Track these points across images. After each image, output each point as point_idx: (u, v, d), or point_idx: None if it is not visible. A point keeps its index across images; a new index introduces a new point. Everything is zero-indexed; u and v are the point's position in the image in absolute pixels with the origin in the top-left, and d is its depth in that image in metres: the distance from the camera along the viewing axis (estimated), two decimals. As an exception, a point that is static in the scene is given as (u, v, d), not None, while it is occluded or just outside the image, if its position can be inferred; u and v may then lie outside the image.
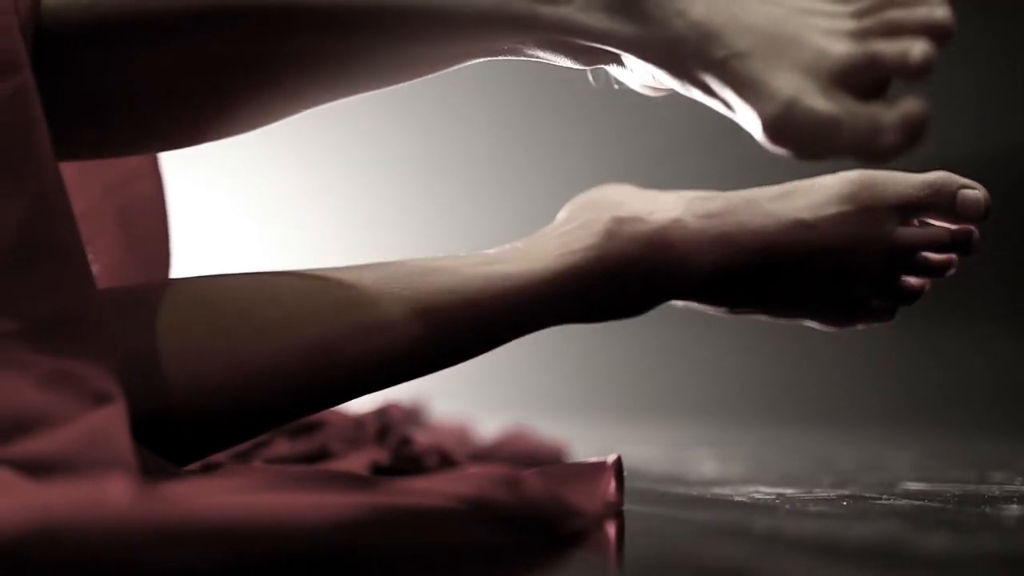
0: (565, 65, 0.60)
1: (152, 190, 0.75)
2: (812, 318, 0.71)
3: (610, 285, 0.67)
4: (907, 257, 0.67)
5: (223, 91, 0.59)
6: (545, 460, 1.01)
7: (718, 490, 0.73)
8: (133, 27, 0.56)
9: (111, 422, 0.50)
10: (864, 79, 0.53)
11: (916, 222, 0.68)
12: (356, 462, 0.85)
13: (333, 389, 0.64)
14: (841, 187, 0.68)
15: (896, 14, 0.54)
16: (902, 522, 0.56)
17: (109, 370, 0.51)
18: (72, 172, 0.66)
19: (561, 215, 0.72)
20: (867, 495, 0.69)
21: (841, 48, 0.53)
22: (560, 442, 1.08)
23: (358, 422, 0.94)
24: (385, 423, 0.93)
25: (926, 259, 0.68)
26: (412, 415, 0.97)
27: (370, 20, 0.57)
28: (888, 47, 0.53)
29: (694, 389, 1.93)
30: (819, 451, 1.21)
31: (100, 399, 0.51)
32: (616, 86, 0.62)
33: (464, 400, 1.46)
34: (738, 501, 0.65)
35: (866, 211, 0.67)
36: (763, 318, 0.72)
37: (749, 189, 0.70)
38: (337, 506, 0.42)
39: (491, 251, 0.68)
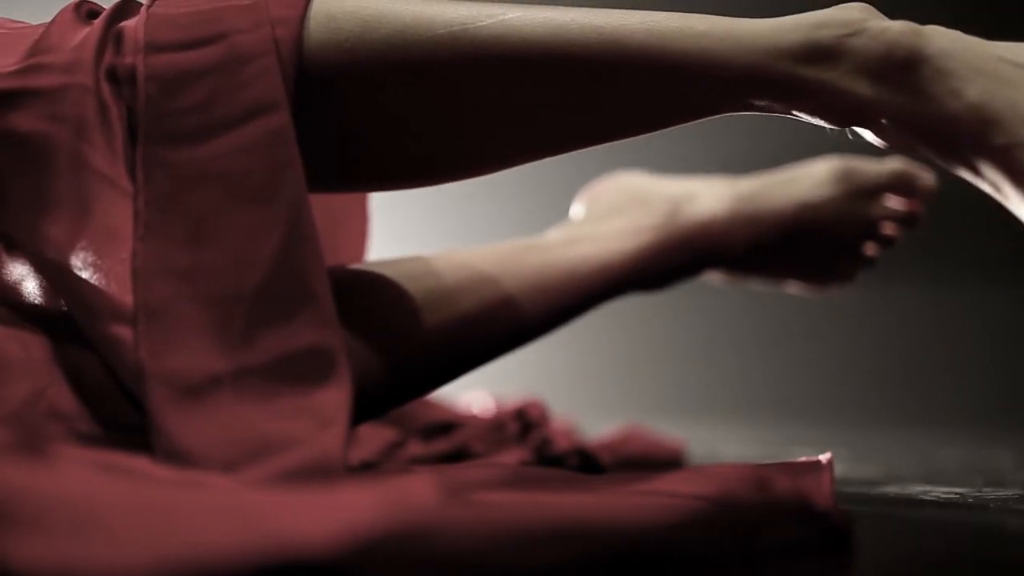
0: (818, 124, 0.60)
1: None
2: (804, 281, 0.90)
3: (675, 258, 0.81)
4: (873, 228, 0.85)
5: (475, 134, 0.60)
6: (663, 460, 1.02)
7: (878, 490, 0.74)
8: (389, 69, 0.57)
9: (334, 444, 0.52)
10: None
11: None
12: (506, 462, 0.86)
13: (475, 358, 0.72)
14: (830, 173, 0.85)
15: None
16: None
17: (345, 401, 0.53)
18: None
19: (584, 201, 0.87)
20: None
21: None
22: (677, 442, 1.09)
23: (498, 423, 0.95)
24: (526, 423, 0.94)
25: (885, 230, 0.86)
26: (547, 415, 0.98)
27: (639, 70, 0.57)
28: None
29: (769, 389, 1.94)
30: (919, 449, 1.22)
31: (328, 424, 0.52)
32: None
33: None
34: (932, 500, 0.67)
35: (851, 192, 0.85)
36: (762, 283, 0.90)
37: (756, 177, 0.86)
38: (653, 507, 0.43)
39: (553, 234, 0.80)
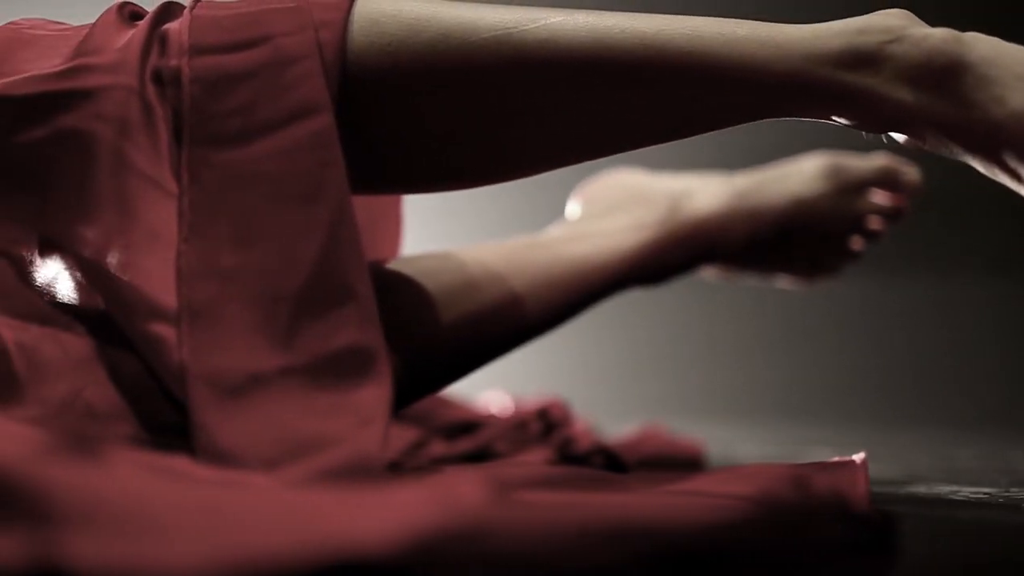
0: (858, 130, 0.60)
1: None
2: (794, 275, 0.93)
3: (676, 254, 0.83)
4: (860, 223, 0.88)
5: (516, 137, 0.60)
6: (682, 460, 1.03)
7: (905, 490, 0.75)
8: (431, 73, 0.57)
9: (373, 443, 0.52)
10: None
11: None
12: (530, 461, 0.87)
13: (485, 354, 0.73)
14: (820, 169, 0.87)
15: None
16: None
17: (385, 399, 0.53)
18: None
19: (581, 199, 0.88)
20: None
21: None
22: (695, 442, 1.10)
23: (520, 422, 0.95)
24: (548, 423, 0.95)
25: (871, 224, 0.89)
26: (570, 415, 0.99)
27: (680, 76, 0.58)
28: None
29: (783, 389, 1.94)
30: (933, 449, 1.22)
31: (368, 423, 0.53)
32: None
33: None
34: (963, 500, 0.67)
35: (840, 188, 0.87)
36: (754, 277, 0.93)
37: (750, 173, 0.88)
38: (699, 507, 0.44)
39: (555, 231, 0.82)
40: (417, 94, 0.58)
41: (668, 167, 0.91)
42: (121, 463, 0.45)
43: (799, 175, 0.88)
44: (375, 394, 0.54)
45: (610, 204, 0.85)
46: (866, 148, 0.71)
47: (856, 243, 0.91)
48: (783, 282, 0.95)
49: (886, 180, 0.88)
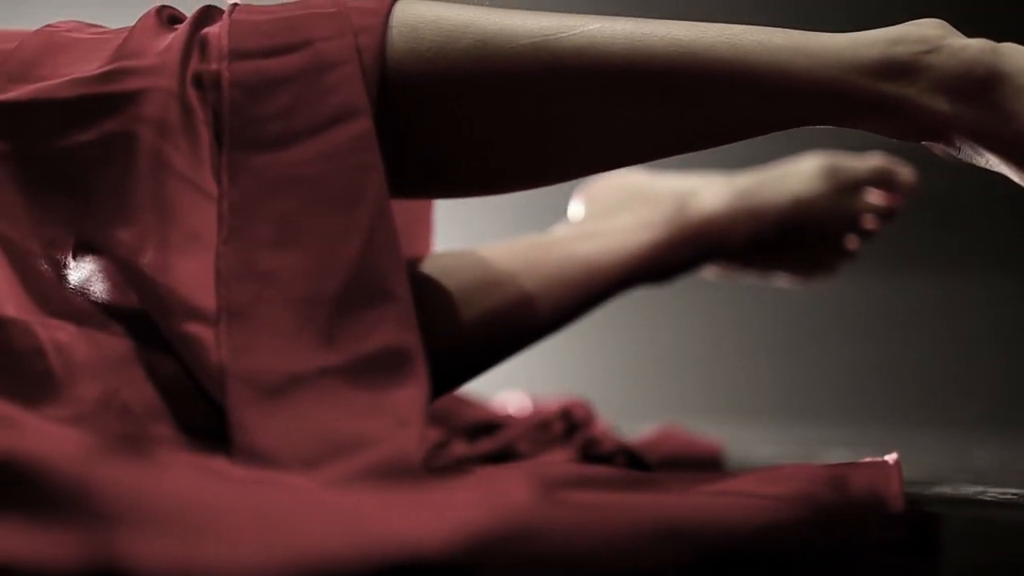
0: (891, 137, 0.61)
1: None
2: (791, 273, 0.95)
3: (682, 253, 0.85)
4: (855, 222, 0.90)
5: (552, 145, 0.61)
6: (701, 460, 1.03)
7: (932, 490, 0.75)
8: (469, 79, 0.58)
9: (411, 443, 0.52)
10: None
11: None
12: (554, 462, 0.87)
13: (501, 352, 0.75)
14: (818, 169, 0.89)
15: None
16: None
17: (422, 400, 0.53)
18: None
19: (583, 199, 0.89)
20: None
21: None
22: (715, 442, 1.10)
23: (542, 422, 0.96)
24: (571, 423, 0.95)
25: (866, 223, 0.91)
26: (593, 416, 0.99)
27: (718, 84, 0.58)
28: None
29: (797, 389, 1.94)
30: (950, 449, 1.22)
31: (405, 423, 0.53)
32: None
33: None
34: (992, 501, 0.67)
35: (837, 187, 0.89)
36: (753, 276, 0.95)
37: (750, 173, 0.90)
38: (743, 507, 0.44)
39: (560, 231, 0.83)
40: (455, 100, 0.58)
41: (667, 167, 0.91)
42: (173, 464, 0.45)
43: (798, 175, 0.90)
44: (412, 395, 0.54)
45: (613, 204, 0.86)
46: (861, 148, 0.72)
47: (851, 242, 0.93)
48: (781, 280, 0.97)
49: (881, 179, 0.91)
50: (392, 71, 0.57)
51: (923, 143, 0.61)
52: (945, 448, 1.26)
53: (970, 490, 0.74)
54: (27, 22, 0.63)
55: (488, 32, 0.57)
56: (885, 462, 0.61)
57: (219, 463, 0.51)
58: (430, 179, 0.63)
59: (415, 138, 0.59)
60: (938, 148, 0.61)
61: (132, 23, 0.61)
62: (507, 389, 1.19)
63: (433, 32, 0.57)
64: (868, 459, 0.62)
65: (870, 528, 0.50)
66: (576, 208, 0.90)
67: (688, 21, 0.58)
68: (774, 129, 0.61)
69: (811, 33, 0.58)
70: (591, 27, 0.57)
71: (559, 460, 0.87)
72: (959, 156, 0.61)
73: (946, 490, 0.74)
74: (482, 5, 0.59)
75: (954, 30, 0.59)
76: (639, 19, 0.58)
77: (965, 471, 0.93)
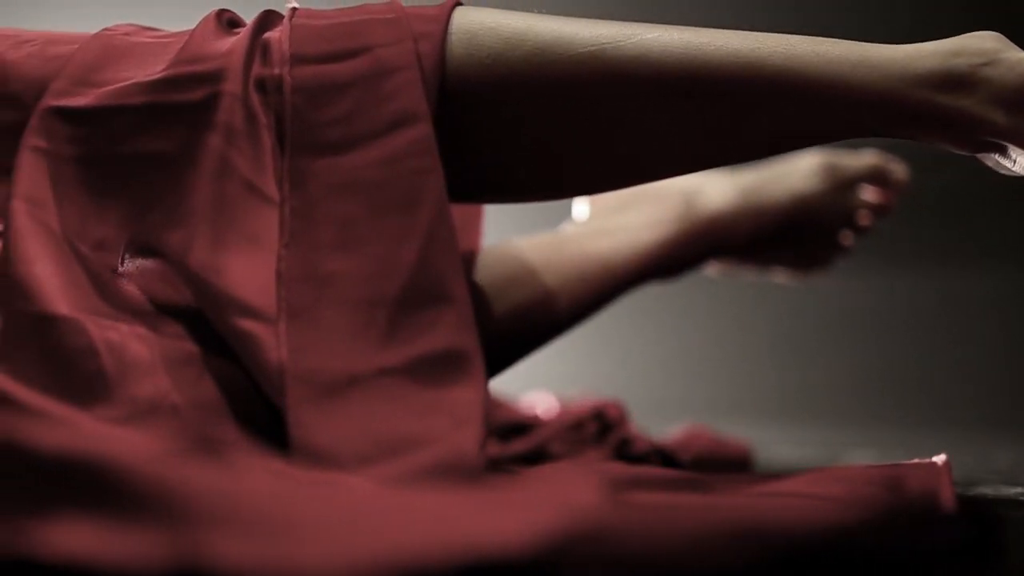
0: (948, 148, 0.61)
1: None
2: (789, 269, 0.96)
3: (691, 249, 0.86)
4: (851, 218, 0.92)
5: (608, 153, 0.61)
6: (731, 461, 1.03)
7: (973, 491, 0.75)
8: (528, 86, 0.58)
9: (469, 443, 0.53)
10: None
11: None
12: (587, 462, 0.87)
13: (523, 346, 0.76)
14: (816, 167, 0.91)
15: None
16: None
17: (480, 401, 0.54)
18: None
19: (589, 198, 0.89)
20: None
21: None
22: (743, 443, 1.10)
23: (576, 423, 0.96)
24: (604, 424, 0.95)
25: (861, 220, 0.92)
26: (626, 416, 0.99)
27: (775, 94, 0.58)
28: None
29: (819, 391, 1.94)
30: (974, 449, 1.22)
31: (463, 423, 0.53)
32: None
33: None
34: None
35: (835, 184, 0.91)
36: (752, 272, 0.97)
37: (752, 171, 0.91)
38: (816, 508, 0.45)
39: (570, 228, 0.84)
40: (513, 106, 0.59)
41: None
42: (247, 465, 0.46)
43: (798, 173, 0.91)
44: (470, 395, 0.54)
45: (619, 202, 0.87)
46: (855, 146, 0.73)
47: (846, 238, 0.95)
48: (778, 276, 0.99)
49: (876, 176, 0.93)
50: (451, 77, 0.57)
51: (977, 155, 0.61)
52: (967, 449, 1.26)
53: (1011, 491, 0.74)
54: (27, 22, 0.63)
55: (546, 40, 0.58)
56: (935, 463, 0.61)
57: (278, 464, 0.52)
58: (490, 184, 0.63)
59: (472, 144, 0.60)
60: (991, 159, 0.62)
61: (132, 23, 0.61)
62: (521, 390, 1.18)
63: (492, 39, 0.57)
64: (916, 460, 0.62)
65: (932, 530, 0.50)
66: (581, 206, 0.91)
67: (744, 31, 0.58)
68: (830, 140, 0.61)
69: (868, 44, 0.59)
70: (648, 36, 0.57)
71: (592, 461, 0.87)
72: (1013, 168, 0.61)
73: (987, 491, 0.74)
74: (533, 12, 0.60)
75: (1011, 43, 0.60)
76: (695, 28, 0.58)
77: (993, 472, 0.93)
